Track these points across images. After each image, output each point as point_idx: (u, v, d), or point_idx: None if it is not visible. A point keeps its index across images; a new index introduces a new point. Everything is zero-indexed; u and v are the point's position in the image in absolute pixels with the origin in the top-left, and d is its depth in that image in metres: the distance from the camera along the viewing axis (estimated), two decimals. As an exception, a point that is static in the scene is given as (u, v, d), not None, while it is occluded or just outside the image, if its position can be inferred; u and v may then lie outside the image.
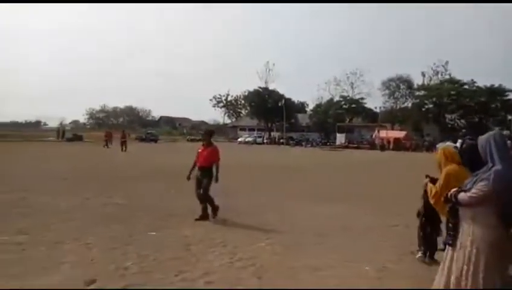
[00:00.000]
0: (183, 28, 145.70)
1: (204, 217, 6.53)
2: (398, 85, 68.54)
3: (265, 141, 59.73)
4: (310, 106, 76.29)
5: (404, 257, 4.87)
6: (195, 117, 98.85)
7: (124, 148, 27.49)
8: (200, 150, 6.78)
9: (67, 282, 3.79)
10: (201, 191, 6.52)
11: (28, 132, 60.07)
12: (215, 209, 6.63)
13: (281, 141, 57.85)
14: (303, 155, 31.69)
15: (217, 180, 6.67)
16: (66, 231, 5.62)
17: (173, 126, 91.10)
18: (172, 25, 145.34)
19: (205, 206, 6.58)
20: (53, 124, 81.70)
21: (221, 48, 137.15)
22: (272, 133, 66.36)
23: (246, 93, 71.85)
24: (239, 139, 60.12)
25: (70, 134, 49.62)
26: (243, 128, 75.62)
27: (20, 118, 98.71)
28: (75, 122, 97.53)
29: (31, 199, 7.96)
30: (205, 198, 6.54)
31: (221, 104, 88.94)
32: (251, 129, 71.88)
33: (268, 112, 65.69)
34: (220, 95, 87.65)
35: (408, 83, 67.90)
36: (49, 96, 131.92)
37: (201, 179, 6.54)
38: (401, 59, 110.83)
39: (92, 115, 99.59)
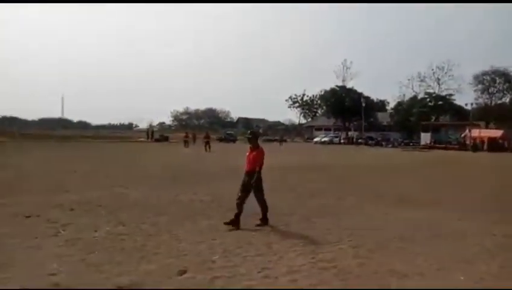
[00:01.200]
0: (260, 29, 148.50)
1: (235, 222, 6.02)
2: (493, 79, 62.04)
3: (342, 140, 58.24)
4: (391, 104, 72.75)
5: (505, 270, 4.42)
6: (271, 118, 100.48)
7: (207, 148, 28.65)
8: (247, 154, 6.31)
9: (162, 271, 4.12)
10: (256, 198, 6.15)
11: (122, 133, 66.30)
12: (265, 218, 6.23)
13: (359, 140, 55.86)
14: (383, 155, 30.26)
15: (256, 182, 6.07)
16: (159, 224, 6.12)
17: (250, 127, 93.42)
18: (250, 25, 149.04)
19: (239, 213, 6.06)
20: (143, 125, 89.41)
21: (298, 48, 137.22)
22: (349, 133, 64.43)
23: (322, 93, 70.84)
24: (315, 139, 59.49)
25: (158, 135, 53.69)
26: (318, 128, 74.71)
27: (116, 120, 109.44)
28: (161, 124, 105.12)
29: (129, 194, 8.80)
30: (263, 204, 6.18)
31: (297, 104, 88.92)
32: (327, 129, 70.68)
33: (345, 111, 63.90)
34: (295, 95, 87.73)
35: (506, 77, 61.00)
36: (141, 101, 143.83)
37: (249, 185, 6.08)
38: (496, 51, 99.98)
39: (176, 117, 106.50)
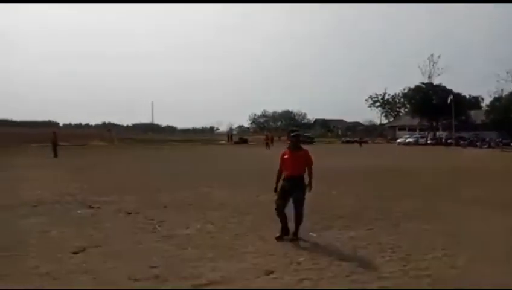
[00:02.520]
0: (336, 25, 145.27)
1: (285, 232, 5.50)
2: None
3: (429, 141, 54.12)
4: (486, 101, 65.79)
5: None
6: (349, 118, 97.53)
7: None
8: (285, 156, 5.60)
9: (251, 269, 4.27)
10: (295, 206, 5.44)
11: (204, 136, 69.94)
12: (297, 232, 5.48)
13: (449, 141, 51.40)
14: (479, 157, 27.48)
15: (310, 188, 5.59)
16: (244, 224, 6.34)
17: (328, 128, 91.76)
18: (325, 22, 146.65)
19: (285, 222, 5.52)
20: (223, 129, 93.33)
21: (378, 45, 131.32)
22: (438, 133, 59.72)
23: (406, 91, 66.73)
24: (398, 140, 56.26)
25: (237, 138, 55.59)
26: (402, 128, 70.51)
27: (198, 124, 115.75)
28: (240, 127, 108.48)
29: (214, 194, 9.27)
30: (301, 214, 5.48)
31: (378, 104, 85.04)
32: (411, 129, 66.36)
33: (432, 109, 59.21)
34: (376, 94, 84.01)
35: None
36: (222, 106, 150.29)
37: (292, 191, 5.45)
38: None
39: (254, 120, 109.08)
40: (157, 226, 6.17)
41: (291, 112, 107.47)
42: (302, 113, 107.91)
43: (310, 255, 4.76)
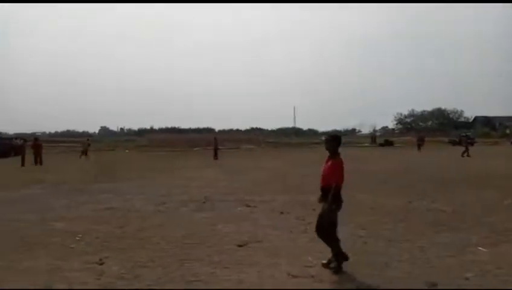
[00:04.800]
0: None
1: (341, 256, 4.47)
2: None
3: None
4: None
5: None
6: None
7: (466, 153, 24.68)
8: (329, 164, 4.66)
9: (408, 279, 4.07)
10: (319, 223, 4.51)
11: (346, 138, 68.81)
12: (340, 256, 4.45)
13: None
14: None
15: (331, 205, 4.44)
16: (398, 231, 6.06)
17: (492, 127, 78.94)
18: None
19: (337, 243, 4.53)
20: (365, 131, 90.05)
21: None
22: None
23: None
24: None
25: (382, 140, 52.87)
26: None
27: (340, 126, 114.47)
28: (384, 128, 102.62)
29: (361, 199, 9.07)
30: (327, 235, 4.49)
31: None
32: None
33: None
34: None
35: None
36: (364, 108, 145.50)
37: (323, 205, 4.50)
38: None
39: (400, 120, 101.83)
40: (308, 227, 6.40)
41: (444, 110, 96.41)
42: (458, 111, 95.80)
43: (481, 272, 4.25)
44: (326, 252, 4.87)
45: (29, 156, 22.91)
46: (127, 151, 41.57)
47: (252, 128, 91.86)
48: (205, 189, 11.11)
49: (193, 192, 10.55)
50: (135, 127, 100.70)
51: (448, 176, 13.80)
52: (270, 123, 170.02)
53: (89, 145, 31.68)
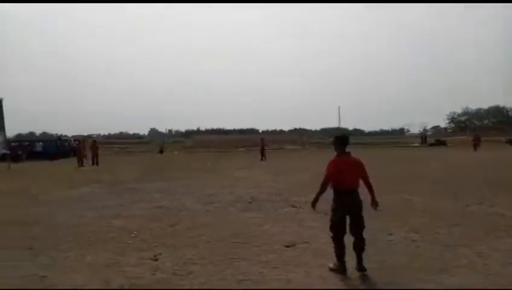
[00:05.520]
0: None
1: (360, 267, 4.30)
2: None
3: None
4: None
5: None
6: None
7: None
8: (340, 163, 4.41)
9: (467, 285, 3.88)
10: (356, 230, 4.36)
11: (394, 138, 66.48)
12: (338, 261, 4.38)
13: None
14: None
15: (376, 205, 4.56)
16: (453, 235, 5.77)
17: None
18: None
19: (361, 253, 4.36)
20: (414, 130, 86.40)
21: None
22: None
23: None
24: None
25: (433, 139, 50.47)
26: None
27: (387, 126, 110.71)
28: (436, 127, 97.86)
29: (414, 201, 8.73)
30: (363, 241, 4.36)
31: None
32: None
33: None
34: None
35: None
36: (414, 106, 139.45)
37: (354, 211, 4.36)
38: None
39: (453, 119, 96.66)
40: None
41: (503, 108, 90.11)
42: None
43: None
44: (377, 255, 4.77)
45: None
46: (175, 152, 42.97)
47: (296, 129, 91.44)
48: (251, 189, 11.23)
49: (240, 192, 10.72)
50: (182, 129, 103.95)
51: (508, 179, 12.88)
52: (314, 123, 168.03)
53: (163, 143, 41.48)
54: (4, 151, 25.15)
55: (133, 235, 6.22)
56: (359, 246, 4.32)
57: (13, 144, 33.07)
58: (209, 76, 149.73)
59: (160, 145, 40.63)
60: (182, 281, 4.22)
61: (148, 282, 4.21)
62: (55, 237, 6.20)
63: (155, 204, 9.07)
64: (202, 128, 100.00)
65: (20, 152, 31.33)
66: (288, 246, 5.41)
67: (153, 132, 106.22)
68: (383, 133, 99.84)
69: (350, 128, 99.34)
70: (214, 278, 4.27)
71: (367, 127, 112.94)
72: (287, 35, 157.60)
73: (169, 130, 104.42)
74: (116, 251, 5.37)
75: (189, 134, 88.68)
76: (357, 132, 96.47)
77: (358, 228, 4.36)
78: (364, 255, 4.35)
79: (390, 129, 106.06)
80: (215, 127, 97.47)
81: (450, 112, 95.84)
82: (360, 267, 4.27)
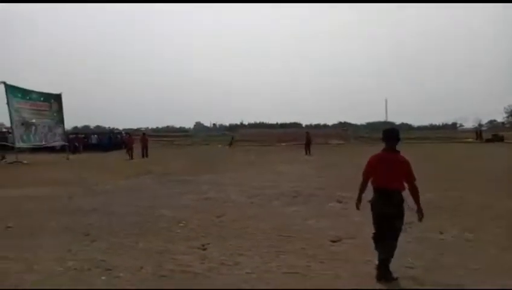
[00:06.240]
0: None
1: (386, 275, 3.98)
2: None
3: None
4: None
5: None
6: None
7: None
8: (378, 159, 4.09)
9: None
10: (390, 237, 3.97)
11: (445, 133, 63.14)
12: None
13: None
14: None
15: (421, 215, 4.08)
16: (502, 236, 5.43)
17: None
18: None
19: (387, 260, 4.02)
20: (468, 125, 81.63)
21: None
22: None
23: None
24: None
25: (489, 135, 47.30)
26: None
27: (438, 121, 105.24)
28: (492, 122, 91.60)
29: (468, 199, 8.29)
30: (390, 246, 3.99)
31: None
32: None
33: None
34: None
35: None
36: (467, 99, 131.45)
37: (387, 214, 3.93)
38: None
39: (511, 112, 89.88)
40: (407, 227, 6.08)
41: None
42: None
43: None
44: (428, 253, 4.62)
45: (136, 149, 25.58)
46: (219, 146, 43.79)
47: (340, 123, 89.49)
48: (296, 183, 11.21)
49: (284, 186, 10.74)
50: (226, 123, 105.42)
51: None
52: (360, 118, 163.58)
53: (232, 138, 43.98)
54: (63, 143, 27.10)
55: (181, 224, 6.46)
56: (383, 250, 3.96)
57: (71, 136, 35.55)
58: (253, 73, 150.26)
59: (230, 139, 44.77)
60: (229, 270, 4.33)
61: (197, 270, 4.37)
62: (110, 224, 6.59)
63: (202, 196, 9.34)
64: (245, 122, 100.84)
65: (77, 144, 33.57)
66: (334, 241, 5.37)
67: (198, 125, 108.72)
68: (433, 128, 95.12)
69: (398, 122, 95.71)
70: (260, 270, 4.34)
71: (415, 122, 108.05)
72: (338, 34, 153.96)
73: (214, 124, 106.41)
74: (167, 239, 5.61)
75: (233, 128, 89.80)
76: (405, 126, 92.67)
77: (388, 233, 3.97)
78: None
79: (441, 124, 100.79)
80: (258, 121, 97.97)
81: (508, 106, 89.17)
82: (379, 275, 3.93)
